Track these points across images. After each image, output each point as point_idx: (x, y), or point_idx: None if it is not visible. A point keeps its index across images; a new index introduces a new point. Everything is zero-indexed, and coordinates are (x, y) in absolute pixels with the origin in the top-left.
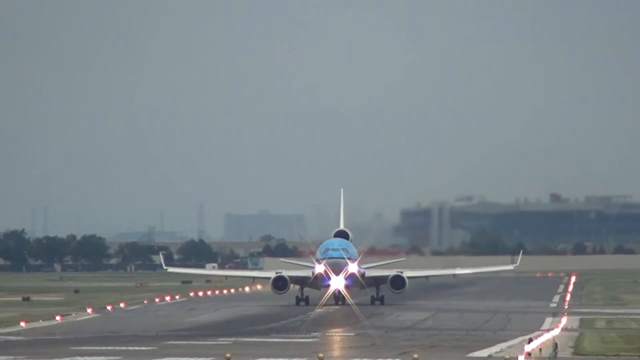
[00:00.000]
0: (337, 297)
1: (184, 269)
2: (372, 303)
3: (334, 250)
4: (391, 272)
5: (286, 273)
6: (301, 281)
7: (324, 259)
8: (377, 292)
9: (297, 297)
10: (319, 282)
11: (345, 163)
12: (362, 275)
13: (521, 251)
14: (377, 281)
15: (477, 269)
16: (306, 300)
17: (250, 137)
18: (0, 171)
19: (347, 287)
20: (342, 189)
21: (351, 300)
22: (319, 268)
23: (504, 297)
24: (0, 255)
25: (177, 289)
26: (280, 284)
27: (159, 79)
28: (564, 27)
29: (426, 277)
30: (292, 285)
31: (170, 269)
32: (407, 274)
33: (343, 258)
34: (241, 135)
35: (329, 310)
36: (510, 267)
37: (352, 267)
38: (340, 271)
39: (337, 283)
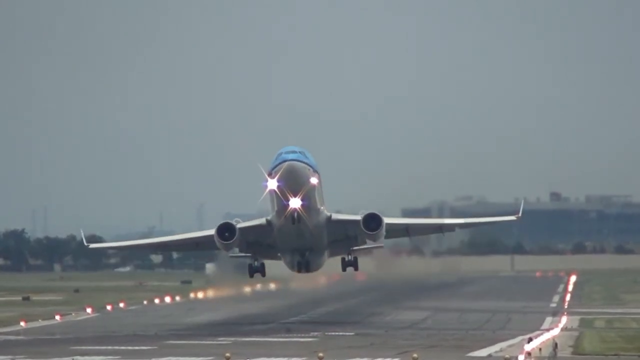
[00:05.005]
0: (300, 263)
1: (105, 244)
2: (344, 269)
3: (290, 153)
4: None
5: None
6: (253, 235)
7: (278, 164)
8: (349, 253)
9: (250, 265)
10: (276, 228)
11: (344, 162)
12: (328, 219)
13: (522, 202)
14: (346, 229)
15: (470, 219)
16: (262, 270)
17: (251, 136)
18: (0, 171)
19: (304, 207)
20: None
21: (311, 224)
22: (272, 184)
23: (503, 297)
24: (0, 255)
25: (177, 289)
26: (227, 234)
27: (159, 79)
28: (565, 28)
29: (406, 228)
30: (255, 263)
31: (92, 245)
32: (386, 220)
33: (302, 161)
34: (241, 135)
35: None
36: (513, 217)
37: (313, 180)
38: (300, 184)
39: (295, 202)
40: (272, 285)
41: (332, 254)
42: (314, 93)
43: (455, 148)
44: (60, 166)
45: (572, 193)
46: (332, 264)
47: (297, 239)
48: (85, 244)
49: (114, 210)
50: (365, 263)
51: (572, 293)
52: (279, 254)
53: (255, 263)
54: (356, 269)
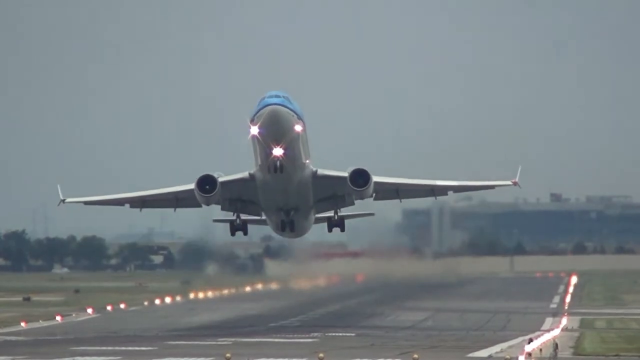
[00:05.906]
0: (284, 223)
1: (82, 198)
2: (330, 230)
3: (273, 97)
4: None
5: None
6: (236, 191)
7: (261, 109)
8: (335, 212)
9: (232, 223)
10: (258, 181)
11: (345, 163)
12: (314, 174)
13: (519, 168)
14: (333, 186)
15: (464, 182)
16: (244, 229)
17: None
18: (1, 171)
19: (287, 156)
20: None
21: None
22: (253, 130)
23: (503, 297)
24: (1, 255)
25: (177, 290)
26: (207, 187)
27: (156, 79)
28: (566, 28)
29: (396, 190)
30: (237, 221)
31: (68, 200)
32: (375, 178)
33: (285, 106)
34: (241, 134)
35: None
36: (509, 182)
37: (297, 127)
38: (283, 130)
39: (277, 151)
40: (272, 285)
41: (318, 218)
42: (314, 92)
43: (454, 149)
44: (60, 166)
45: (573, 193)
46: (331, 263)
47: (281, 194)
48: (62, 198)
49: (114, 210)
50: (365, 263)
51: (573, 294)
52: (262, 214)
53: (238, 221)
54: (342, 229)
